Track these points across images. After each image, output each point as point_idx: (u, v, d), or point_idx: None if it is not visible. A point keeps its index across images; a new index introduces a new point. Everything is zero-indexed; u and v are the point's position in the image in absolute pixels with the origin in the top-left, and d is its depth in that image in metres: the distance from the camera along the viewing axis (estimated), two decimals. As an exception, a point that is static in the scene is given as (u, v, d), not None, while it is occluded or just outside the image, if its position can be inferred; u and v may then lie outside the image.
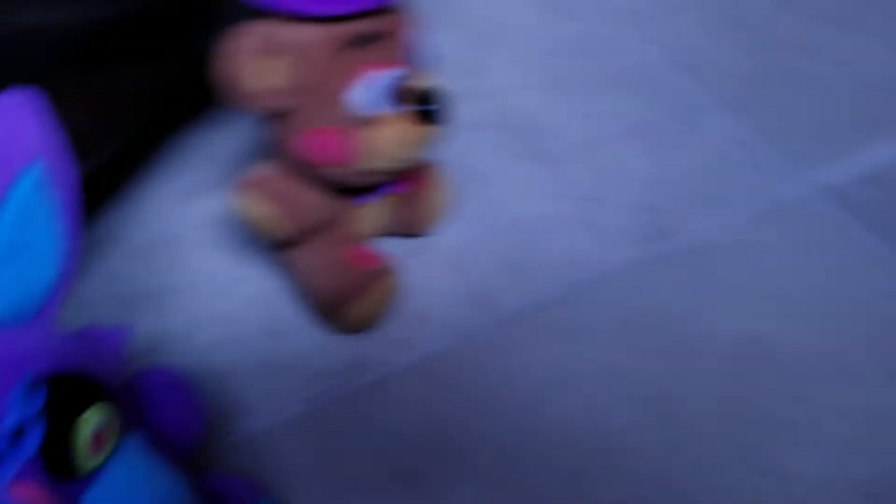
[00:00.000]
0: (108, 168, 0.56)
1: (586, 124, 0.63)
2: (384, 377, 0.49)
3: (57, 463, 0.26)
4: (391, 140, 0.41)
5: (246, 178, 0.46)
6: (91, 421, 0.27)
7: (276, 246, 0.50)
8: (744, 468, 0.44)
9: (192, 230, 0.57)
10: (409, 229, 0.54)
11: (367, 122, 0.41)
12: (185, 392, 0.40)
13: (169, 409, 0.38)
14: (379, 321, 0.50)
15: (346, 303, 0.47)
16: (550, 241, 0.56)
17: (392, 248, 0.54)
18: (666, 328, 0.51)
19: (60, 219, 0.29)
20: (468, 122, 0.60)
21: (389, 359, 0.49)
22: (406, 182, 0.51)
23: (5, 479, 0.24)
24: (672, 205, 0.58)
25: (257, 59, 0.39)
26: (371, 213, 0.50)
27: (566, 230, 0.56)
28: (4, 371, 0.26)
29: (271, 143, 0.45)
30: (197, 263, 0.55)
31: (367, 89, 0.41)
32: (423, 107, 0.41)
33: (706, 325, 0.51)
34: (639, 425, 0.47)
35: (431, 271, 0.54)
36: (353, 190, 0.47)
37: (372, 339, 0.50)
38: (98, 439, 0.27)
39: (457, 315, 0.51)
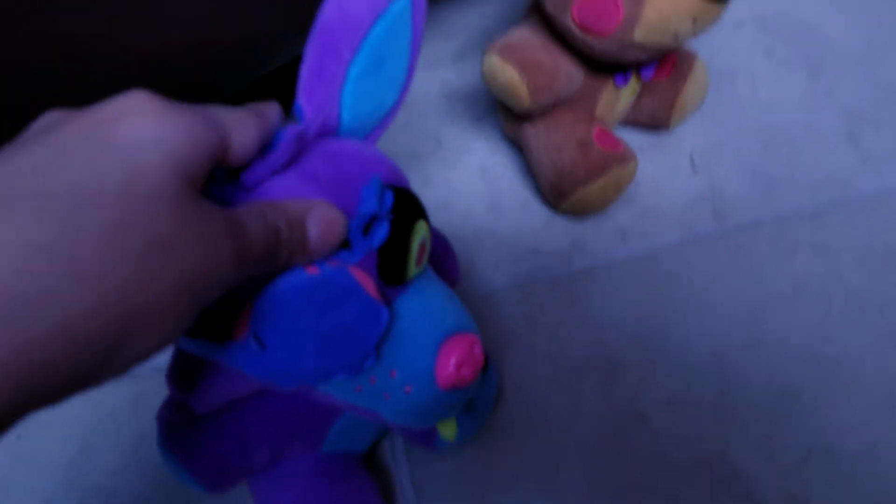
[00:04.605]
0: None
1: (868, 37, 0.56)
2: (601, 265, 0.48)
3: (391, 262, 0.27)
4: (676, 11, 0.38)
5: (500, 41, 0.45)
6: (421, 232, 0.29)
7: (515, 117, 0.49)
8: None
9: (426, 99, 0.58)
10: (654, 121, 0.51)
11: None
12: (445, 239, 0.41)
13: (439, 251, 0.40)
14: (607, 208, 0.48)
15: (580, 182, 0.46)
16: (806, 154, 0.51)
17: (632, 138, 0.52)
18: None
19: (411, 49, 0.30)
20: (729, 18, 0.56)
21: (610, 247, 0.48)
22: (664, 68, 0.48)
23: (350, 260, 0.26)
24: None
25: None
26: (622, 96, 0.47)
27: (827, 145, 0.51)
28: (363, 162, 0.27)
29: (542, 5, 0.43)
30: (427, 131, 0.56)
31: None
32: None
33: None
34: (871, 355, 0.43)
35: (669, 168, 0.51)
36: (608, 69, 0.45)
37: (595, 225, 0.49)
38: (420, 252, 0.29)
39: (690, 216, 0.49)
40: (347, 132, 0.29)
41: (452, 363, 0.29)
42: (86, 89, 0.24)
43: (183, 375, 0.31)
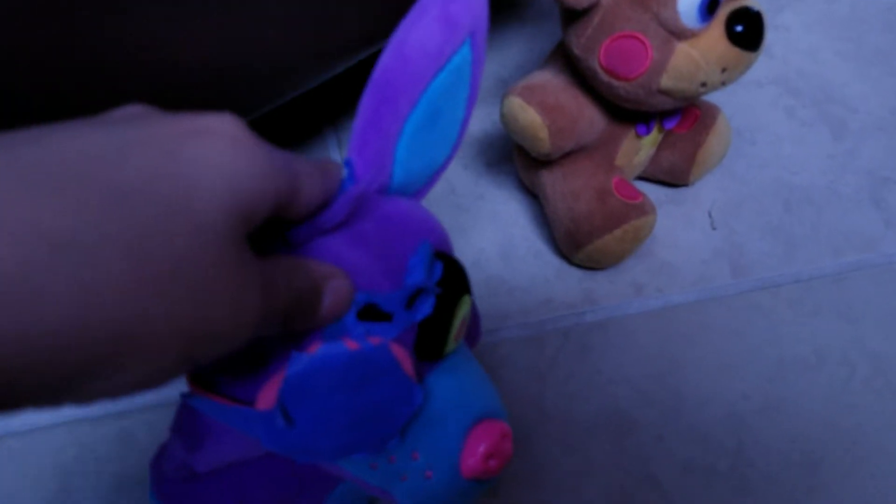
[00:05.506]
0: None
1: (890, 103, 0.55)
2: (614, 319, 0.46)
3: (431, 338, 0.25)
4: (706, 58, 0.38)
5: (521, 83, 0.44)
6: (465, 307, 0.27)
7: (531, 163, 0.48)
8: None
9: (440, 143, 0.57)
10: (673, 176, 0.50)
11: (682, 34, 0.38)
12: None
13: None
14: (623, 260, 0.47)
15: (597, 232, 0.44)
16: (829, 215, 0.50)
17: (650, 192, 0.50)
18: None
19: (467, 104, 0.28)
20: (750, 77, 0.55)
21: (624, 301, 0.47)
22: (687, 120, 0.47)
23: (390, 335, 0.24)
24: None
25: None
26: (643, 146, 0.46)
27: (851, 206, 0.50)
28: (413, 227, 0.25)
29: (568, 48, 0.42)
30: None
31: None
32: (743, 27, 0.37)
33: None
34: (894, 425, 0.41)
35: (688, 222, 0.50)
36: (631, 117, 0.44)
37: (610, 278, 0.48)
38: (461, 327, 0.27)
39: (707, 272, 0.47)
40: (398, 189, 0.27)
41: (481, 452, 0.27)
42: (106, 100, 0.22)
43: (188, 431, 0.29)
